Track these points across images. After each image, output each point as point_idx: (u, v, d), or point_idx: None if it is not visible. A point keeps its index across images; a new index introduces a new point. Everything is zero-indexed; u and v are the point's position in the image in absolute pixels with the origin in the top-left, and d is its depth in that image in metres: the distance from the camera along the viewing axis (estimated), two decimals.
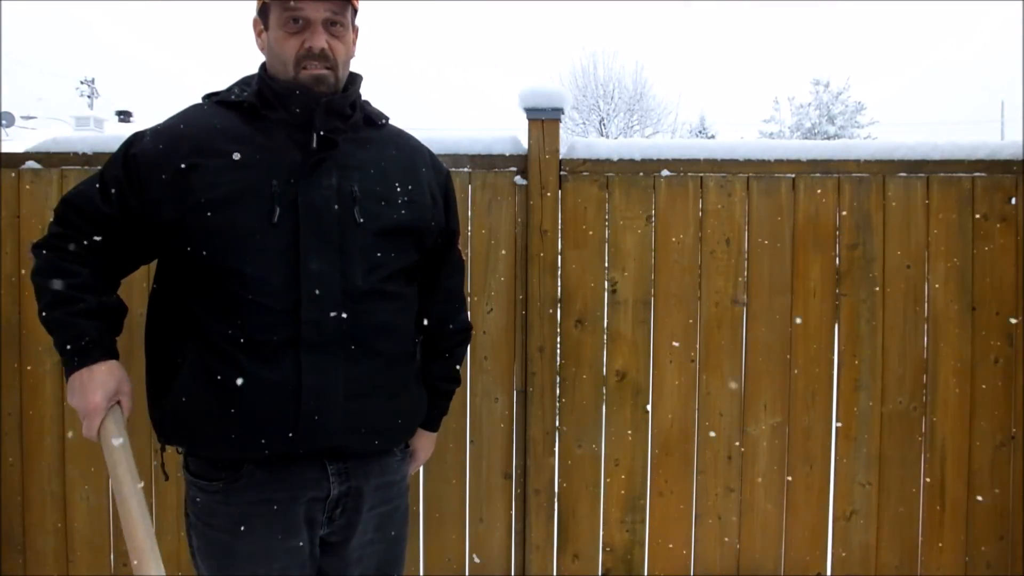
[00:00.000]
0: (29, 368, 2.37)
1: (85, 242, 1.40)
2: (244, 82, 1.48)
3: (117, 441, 1.34)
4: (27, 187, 2.35)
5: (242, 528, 1.37)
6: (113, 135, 2.43)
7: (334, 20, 1.39)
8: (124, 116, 27.93)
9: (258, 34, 1.47)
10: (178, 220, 1.34)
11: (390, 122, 1.58)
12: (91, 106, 32.06)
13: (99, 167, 2.36)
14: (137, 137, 1.43)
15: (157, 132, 1.41)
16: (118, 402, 1.38)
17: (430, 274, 1.59)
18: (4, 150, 2.44)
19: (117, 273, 1.47)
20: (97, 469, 2.39)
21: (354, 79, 1.50)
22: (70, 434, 2.38)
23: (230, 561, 1.38)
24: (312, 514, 1.41)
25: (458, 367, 1.70)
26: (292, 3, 1.37)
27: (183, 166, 1.35)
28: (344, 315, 1.36)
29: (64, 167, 2.36)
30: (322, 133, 1.38)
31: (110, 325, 1.42)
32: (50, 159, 2.37)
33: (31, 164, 2.36)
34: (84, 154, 2.36)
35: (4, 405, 2.38)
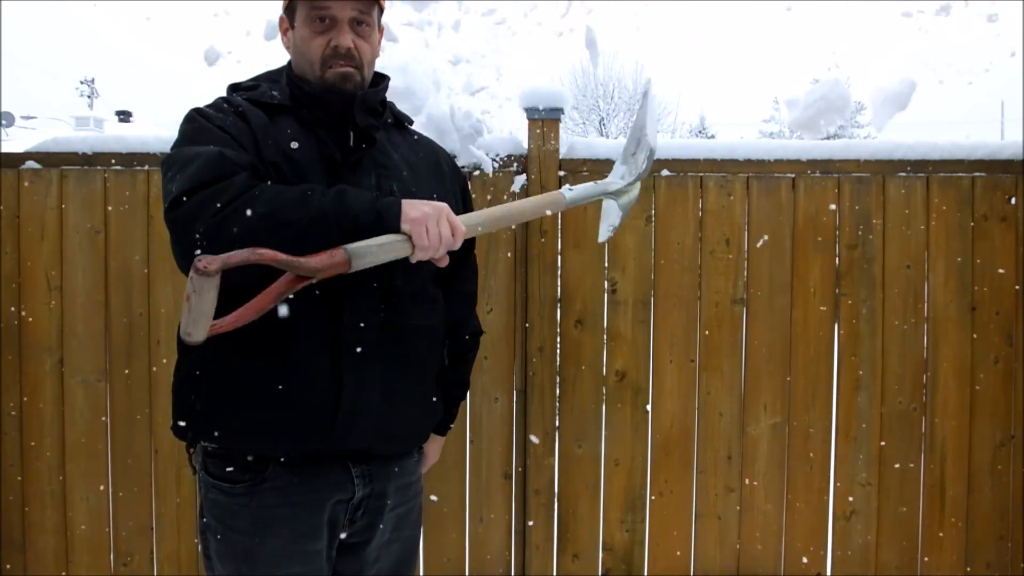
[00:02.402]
0: (29, 368, 2.37)
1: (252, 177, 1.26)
2: (270, 79, 1.46)
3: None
4: (27, 187, 2.35)
5: (264, 531, 1.36)
6: (113, 135, 2.44)
7: (360, 19, 1.39)
8: (124, 116, 27.88)
9: (284, 32, 1.45)
10: None
11: (413, 126, 1.59)
12: (91, 106, 32.03)
13: (99, 167, 2.38)
14: (198, 110, 1.37)
15: (218, 106, 1.38)
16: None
17: (448, 279, 1.56)
18: (4, 150, 2.44)
19: None
20: (97, 469, 2.39)
21: (381, 79, 1.50)
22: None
23: (251, 564, 1.37)
24: (335, 516, 1.40)
25: (469, 372, 1.69)
26: (319, 1, 1.36)
27: (252, 135, 1.32)
28: (383, 316, 1.36)
29: (64, 167, 2.36)
30: (360, 129, 1.37)
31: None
32: (50, 159, 2.37)
33: (31, 164, 2.36)
34: (84, 154, 2.36)
35: (4, 405, 2.38)
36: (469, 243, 1.59)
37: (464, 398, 1.70)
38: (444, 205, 1.28)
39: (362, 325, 1.34)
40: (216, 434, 1.36)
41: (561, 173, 2.37)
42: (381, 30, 1.48)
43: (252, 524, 1.37)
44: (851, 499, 2.38)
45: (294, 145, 1.34)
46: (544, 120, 2.36)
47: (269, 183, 1.25)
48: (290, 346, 1.31)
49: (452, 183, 1.55)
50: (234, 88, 1.47)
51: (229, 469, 1.37)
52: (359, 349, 1.34)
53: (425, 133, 1.67)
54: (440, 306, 1.50)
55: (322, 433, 1.33)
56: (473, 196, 2.34)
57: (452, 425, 1.70)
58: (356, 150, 1.38)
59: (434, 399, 1.53)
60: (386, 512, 1.46)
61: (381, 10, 1.46)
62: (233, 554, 1.39)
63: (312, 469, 1.37)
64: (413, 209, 1.24)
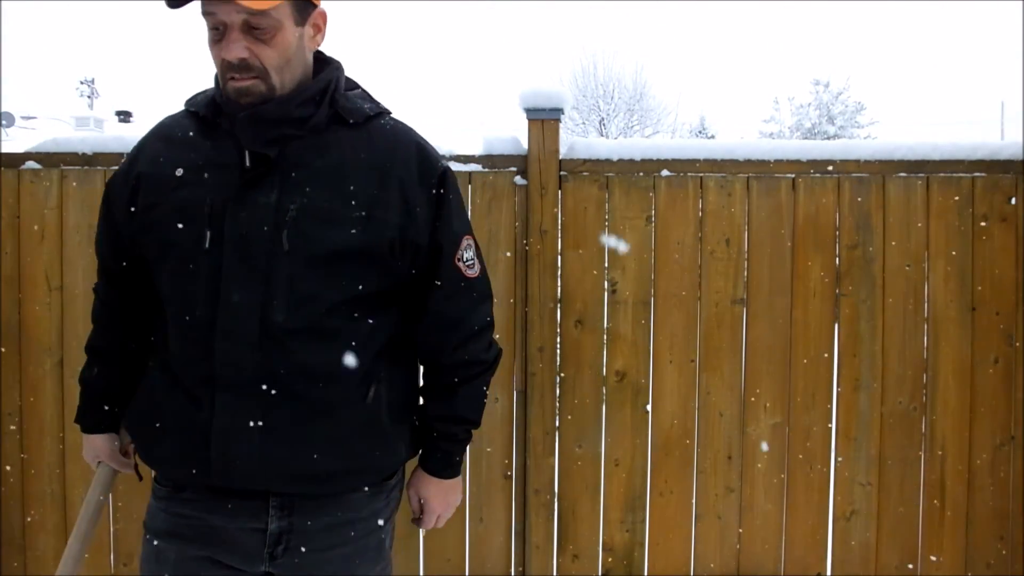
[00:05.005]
0: (29, 368, 2.37)
1: (107, 277, 1.48)
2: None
3: (94, 491, 1.55)
4: (27, 187, 2.35)
5: (176, 538, 1.32)
6: (113, 135, 2.44)
7: (254, 24, 1.19)
8: (124, 116, 27.91)
9: None
10: (132, 240, 1.36)
11: (385, 116, 1.36)
12: (91, 106, 32.06)
13: (99, 167, 2.39)
14: (109, 182, 1.43)
15: (129, 153, 1.40)
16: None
17: (416, 298, 1.37)
18: (4, 150, 2.44)
19: (145, 303, 1.42)
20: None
21: (320, 74, 1.30)
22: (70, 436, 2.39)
23: (159, 570, 1.33)
24: (249, 543, 1.30)
25: (462, 406, 1.44)
26: (206, 8, 1.20)
27: (133, 184, 1.33)
28: (260, 355, 1.22)
29: (64, 167, 2.36)
30: (254, 149, 1.24)
31: (95, 398, 1.53)
32: (50, 159, 2.37)
33: (31, 164, 2.36)
34: (84, 154, 2.36)
35: (4, 405, 2.38)
36: (437, 255, 1.34)
37: (458, 434, 1.45)
38: (91, 463, 1.56)
39: (235, 364, 1.23)
40: (138, 451, 1.43)
41: (562, 173, 2.37)
42: (322, 15, 1.28)
43: (166, 529, 1.33)
44: (851, 499, 2.38)
45: (178, 173, 1.27)
46: (544, 120, 2.36)
47: (96, 302, 1.51)
48: (178, 380, 1.29)
49: (410, 185, 1.30)
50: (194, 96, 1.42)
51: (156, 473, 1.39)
52: (234, 387, 1.23)
53: None
54: (358, 338, 1.28)
55: (197, 466, 1.26)
56: (473, 196, 2.35)
57: (455, 464, 1.48)
58: (254, 168, 1.24)
59: (370, 438, 1.32)
60: (319, 551, 1.30)
61: (300, 4, 1.24)
62: (148, 557, 1.36)
63: (228, 491, 1.28)
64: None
